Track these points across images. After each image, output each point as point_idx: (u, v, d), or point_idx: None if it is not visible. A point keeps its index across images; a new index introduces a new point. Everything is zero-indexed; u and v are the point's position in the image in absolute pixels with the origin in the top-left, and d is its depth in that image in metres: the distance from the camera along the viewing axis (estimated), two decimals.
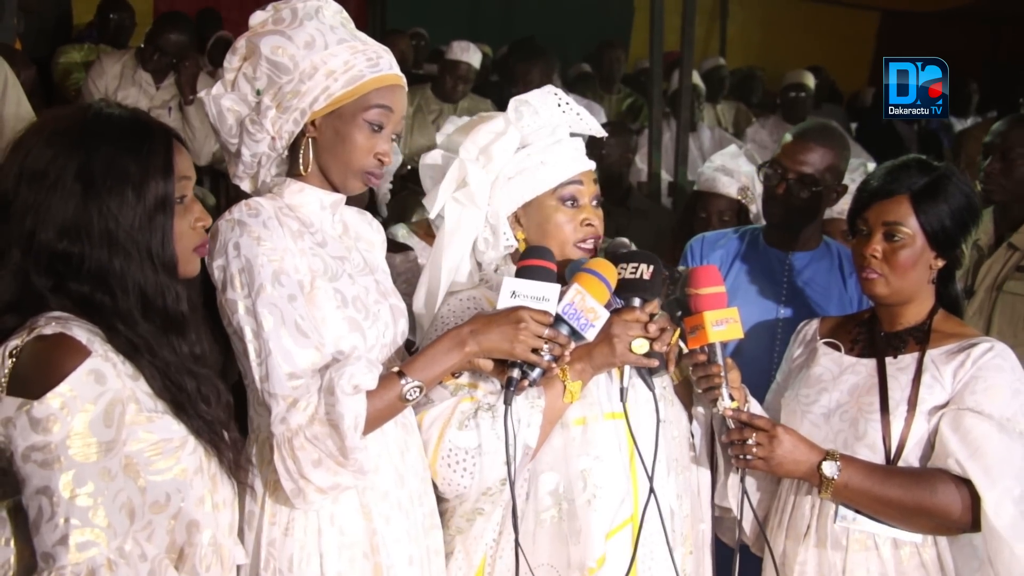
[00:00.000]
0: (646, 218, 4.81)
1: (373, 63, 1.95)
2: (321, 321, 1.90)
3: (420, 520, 2.01)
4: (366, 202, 3.32)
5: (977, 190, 2.51)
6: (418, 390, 1.88)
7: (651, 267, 2.05)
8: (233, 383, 1.92)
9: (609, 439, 2.08)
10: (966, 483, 2.08)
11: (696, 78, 6.52)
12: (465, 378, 2.04)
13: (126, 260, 1.66)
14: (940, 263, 2.21)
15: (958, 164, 4.54)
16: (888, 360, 2.22)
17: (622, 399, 2.05)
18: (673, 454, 2.17)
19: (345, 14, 2.03)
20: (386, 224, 3.82)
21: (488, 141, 2.15)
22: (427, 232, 3.68)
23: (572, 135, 2.23)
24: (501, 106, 2.19)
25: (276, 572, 1.89)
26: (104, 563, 1.56)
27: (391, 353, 2.05)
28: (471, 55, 5.90)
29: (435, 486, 2.05)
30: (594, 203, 2.19)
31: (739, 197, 3.68)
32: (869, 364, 2.24)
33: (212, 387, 1.75)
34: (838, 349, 2.31)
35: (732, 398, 2.09)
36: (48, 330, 1.59)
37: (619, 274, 2.02)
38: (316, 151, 1.97)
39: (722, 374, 2.09)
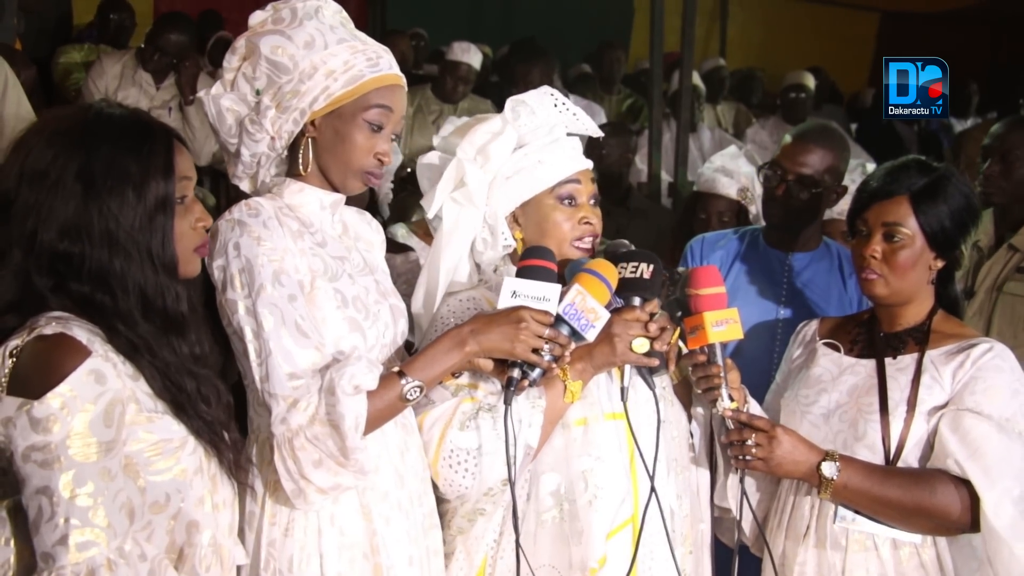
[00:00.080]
0: (646, 218, 4.80)
1: (373, 63, 1.95)
2: (321, 321, 1.90)
3: (420, 520, 2.01)
4: (366, 202, 3.32)
5: (976, 192, 2.51)
6: (418, 390, 1.88)
7: (651, 266, 2.05)
8: (233, 383, 1.92)
9: (610, 439, 2.08)
10: (965, 483, 2.08)
11: (696, 79, 6.51)
12: (465, 378, 2.04)
13: (126, 260, 1.66)
14: (939, 264, 2.22)
15: (958, 165, 4.54)
16: (887, 361, 2.22)
17: (623, 399, 2.05)
18: (673, 454, 2.17)
19: (345, 14, 2.02)
20: (386, 224, 3.82)
21: (485, 141, 2.15)
22: (427, 232, 3.67)
23: (569, 135, 2.23)
24: (501, 107, 2.19)
25: (276, 572, 1.88)
26: (104, 563, 1.56)
27: (391, 353, 2.05)
28: (471, 56, 5.89)
29: (435, 486, 2.05)
30: (592, 202, 2.19)
31: (739, 198, 3.69)
32: (868, 365, 2.24)
33: (212, 387, 1.75)
34: (837, 350, 2.31)
35: (732, 399, 2.10)
36: (48, 330, 1.59)
37: (619, 273, 2.02)
38: (316, 151, 1.97)
39: (722, 375, 2.09)
